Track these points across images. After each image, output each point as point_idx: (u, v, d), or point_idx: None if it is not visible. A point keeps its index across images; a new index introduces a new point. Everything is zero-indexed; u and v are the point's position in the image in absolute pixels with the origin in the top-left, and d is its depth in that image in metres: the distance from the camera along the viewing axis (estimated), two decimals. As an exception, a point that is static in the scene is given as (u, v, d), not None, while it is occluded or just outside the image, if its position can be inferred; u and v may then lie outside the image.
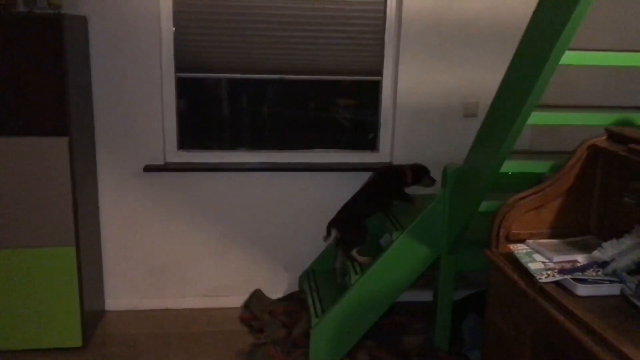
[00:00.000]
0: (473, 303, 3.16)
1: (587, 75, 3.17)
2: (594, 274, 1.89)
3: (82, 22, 3.10)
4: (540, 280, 1.90)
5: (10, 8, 2.83)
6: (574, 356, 1.69)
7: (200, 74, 3.45)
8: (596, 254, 1.96)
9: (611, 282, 1.85)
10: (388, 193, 3.25)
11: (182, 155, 3.48)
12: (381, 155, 3.62)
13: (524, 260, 2.05)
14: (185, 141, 3.50)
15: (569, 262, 1.99)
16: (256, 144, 3.59)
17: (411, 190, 3.27)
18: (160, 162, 3.40)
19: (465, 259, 2.90)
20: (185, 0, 3.29)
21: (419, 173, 3.24)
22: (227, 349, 3.15)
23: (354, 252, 3.08)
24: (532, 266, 1.99)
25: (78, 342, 3.08)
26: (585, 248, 2.08)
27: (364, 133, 3.68)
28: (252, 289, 3.62)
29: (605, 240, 2.01)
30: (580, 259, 2.00)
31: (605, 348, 1.55)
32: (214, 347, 3.17)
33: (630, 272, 1.86)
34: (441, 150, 3.48)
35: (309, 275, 3.52)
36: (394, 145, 3.55)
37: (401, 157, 3.50)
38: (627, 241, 1.94)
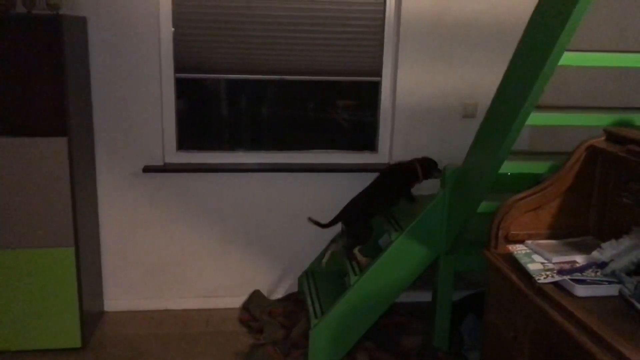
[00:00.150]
0: (472, 303, 3.17)
1: (586, 76, 3.17)
2: (592, 274, 1.89)
3: (81, 22, 3.10)
4: (539, 281, 1.90)
5: (9, 9, 2.83)
6: (572, 357, 1.69)
7: (200, 75, 3.45)
8: (595, 254, 1.96)
9: (610, 282, 1.84)
10: (398, 191, 3.21)
11: (181, 156, 3.48)
12: (380, 156, 3.62)
13: (522, 260, 2.05)
14: (185, 142, 3.50)
15: (567, 262, 1.99)
16: (255, 145, 3.59)
17: (413, 189, 3.25)
18: (160, 162, 3.40)
19: (464, 259, 2.91)
20: (185, 1, 3.29)
21: (428, 168, 3.19)
22: (226, 349, 3.15)
23: (356, 250, 3.08)
24: (531, 267, 1.99)
25: (77, 343, 3.08)
26: (584, 249, 2.07)
27: (363, 134, 3.68)
28: (251, 290, 3.62)
29: (604, 240, 2.01)
30: (579, 259, 2.00)
31: (604, 348, 1.55)
32: (213, 347, 3.17)
33: (629, 273, 1.86)
34: (440, 151, 3.48)
35: (308, 276, 3.52)
36: (393, 145, 3.55)
37: (400, 157, 3.49)
38: (625, 242, 1.94)
